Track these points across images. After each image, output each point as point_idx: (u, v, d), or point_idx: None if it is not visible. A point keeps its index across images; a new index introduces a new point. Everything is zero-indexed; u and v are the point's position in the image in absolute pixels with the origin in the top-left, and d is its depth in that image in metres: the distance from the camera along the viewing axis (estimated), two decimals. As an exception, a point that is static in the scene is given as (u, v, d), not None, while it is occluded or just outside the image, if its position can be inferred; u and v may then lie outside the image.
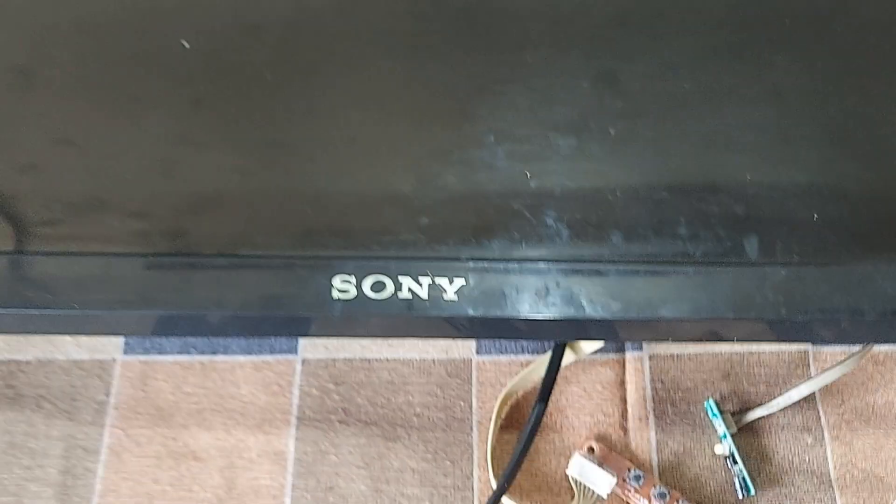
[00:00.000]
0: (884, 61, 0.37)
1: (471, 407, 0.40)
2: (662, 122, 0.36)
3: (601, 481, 0.37)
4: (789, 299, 0.32)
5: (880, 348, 0.42)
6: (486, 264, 0.32)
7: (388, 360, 0.41)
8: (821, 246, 0.33)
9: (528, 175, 0.34)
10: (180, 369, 0.40)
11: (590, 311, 0.32)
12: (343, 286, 0.31)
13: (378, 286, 0.32)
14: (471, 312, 0.31)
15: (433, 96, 0.36)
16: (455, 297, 0.32)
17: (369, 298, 0.31)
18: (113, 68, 0.36)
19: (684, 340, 0.40)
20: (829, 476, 0.39)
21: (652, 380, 0.41)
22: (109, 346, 0.40)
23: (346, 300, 0.31)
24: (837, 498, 0.38)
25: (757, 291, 0.32)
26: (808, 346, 0.42)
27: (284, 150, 0.35)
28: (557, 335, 0.37)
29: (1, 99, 0.35)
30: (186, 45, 0.36)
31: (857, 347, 0.39)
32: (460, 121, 0.35)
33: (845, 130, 0.36)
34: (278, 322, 0.33)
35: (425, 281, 0.32)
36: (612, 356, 0.41)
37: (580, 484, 0.38)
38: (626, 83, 0.36)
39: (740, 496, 0.38)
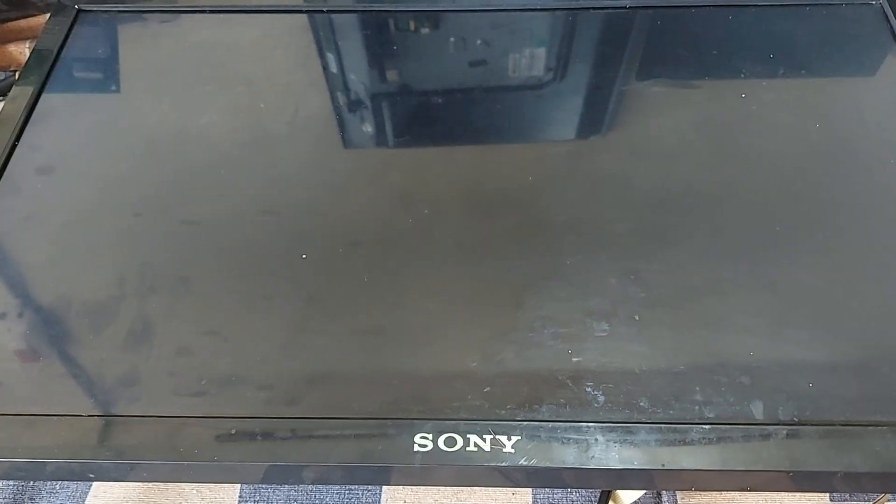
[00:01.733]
0: (862, 257, 0.46)
1: (529, 554, 0.46)
2: (678, 310, 0.44)
3: None
4: (791, 454, 0.39)
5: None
6: (537, 424, 0.40)
7: (457, 512, 0.48)
8: (816, 409, 0.40)
9: (570, 352, 0.43)
10: (284, 519, 0.48)
11: (624, 463, 0.39)
12: (422, 441, 0.40)
13: (450, 441, 0.40)
14: (525, 463, 0.39)
15: (492, 291, 0.46)
16: (512, 451, 0.39)
17: (443, 451, 0.39)
18: (248, 275, 0.47)
19: (705, 490, 0.46)
20: None
21: (687, 532, 0.46)
22: (227, 499, 0.49)
23: (425, 453, 0.39)
24: None
25: (763, 447, 0.39)
26: (826, 502, 0.47)
27: (377, 336, 0.44)
28: (598, 484, 0.44)
29: (167, 299, 0.46)
30: (304, 257, 0.48)
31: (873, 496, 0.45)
32: (514, 309, 0.45)
33: (832, 314, 0.44)
34: (370, 472, 0.41)
35: (488, 438, 0.40)
36: (651, 509, 0.47)
37: None
38: (647, 279, 0.46)
39: None
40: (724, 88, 0.56)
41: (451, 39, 0.61)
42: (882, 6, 0.61)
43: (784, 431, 0.39)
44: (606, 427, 0.40)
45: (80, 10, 0.63)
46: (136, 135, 0.55)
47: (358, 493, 0.49)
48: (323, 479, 0.43)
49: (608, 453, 0.39)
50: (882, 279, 0.45)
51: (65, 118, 0.56)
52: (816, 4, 0.61)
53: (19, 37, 0.72)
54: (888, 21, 0.60)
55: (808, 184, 0.50)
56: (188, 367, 0.43)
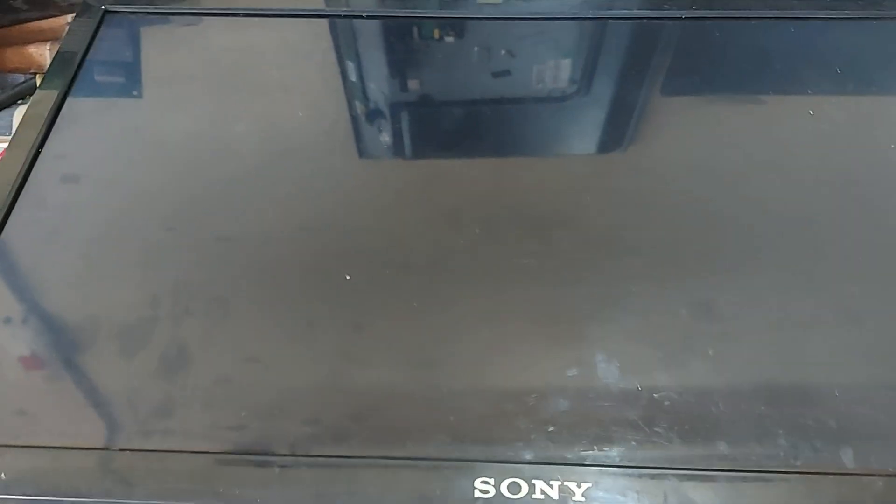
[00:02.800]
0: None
1: None
2: (755, 345, 0.41)
3: None
4: (888, 507, 0.35)
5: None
6: (609, 469, 0.37)
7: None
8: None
9: (640, 389, 0.40)
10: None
11: (702, 514, 0.36)
12: (484, 487, 0.36)
13: (514, 488, 0.36)
14: (597, 514, 0.36)
15: (552, 320, 0.43)
16: (583, 499, 0.36)
17: (507, 498, 0.36)
18: (289, 297, 0.44)
19: None
20: None
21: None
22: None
23: (487, 499, 0.36)
24: None
25: (856, 499, 0.36)
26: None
27: (429, 367, 0.41)
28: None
29: (203, 322, 0.43)
30: (349, 278, 0.44)
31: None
32: (577, 341, 0.41)
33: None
34: (427, 519, 0.38)
35: (556, 484, 0.36)
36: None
37: None
38: (719, 310, 0.43)
39: None
40: (790, 104, 0.53)
41: (502, 51, 0.58)
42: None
43: (879, 483, 0.36)
44: (685, 474, 0.37)
45: (106, 11, 0.59)
46: (165, 143, 0.52)
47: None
48: (374, 526, 0.40)
49: (688, 503, 0.36)
50: None
51: (91, 124, 0.53)
52: (884, 18, 0.58)
53: (39, 38, 0.69)
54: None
55: (889, 207, 0.47)
56: (227, 398, 0.40)
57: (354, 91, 0.56)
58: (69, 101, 0.54)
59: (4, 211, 0.47)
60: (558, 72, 0.56)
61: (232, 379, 0.40)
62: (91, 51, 0.57)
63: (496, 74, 0.57)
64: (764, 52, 0.56)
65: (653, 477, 0.36)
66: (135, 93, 0.55)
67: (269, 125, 0.53)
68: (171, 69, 0.57)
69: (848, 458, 0.37)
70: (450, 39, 0.59)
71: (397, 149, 0.52)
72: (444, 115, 0.55)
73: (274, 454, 0.38)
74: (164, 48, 0.59)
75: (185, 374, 0.40)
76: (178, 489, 0.37)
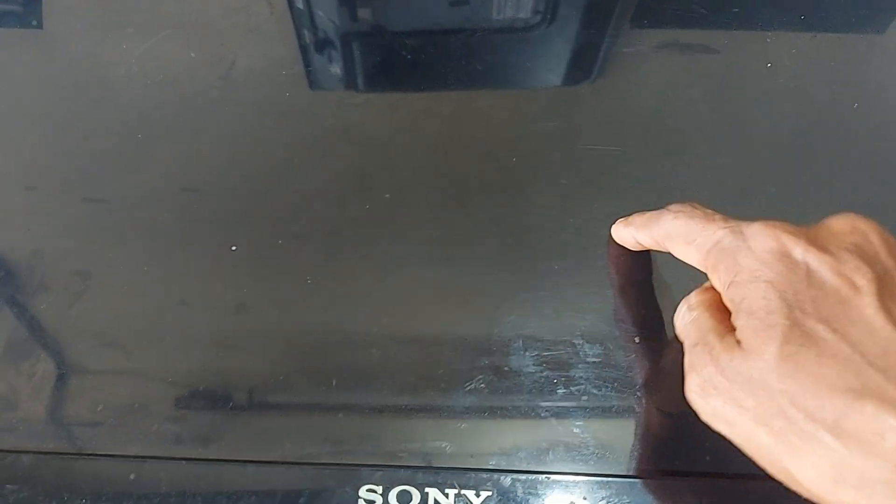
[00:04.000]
0: None
1: None
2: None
3: None
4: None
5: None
6: (513, 476, 0.32)
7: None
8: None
9: (556, 382, 0.35)
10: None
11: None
12: (369, 496, 0.32)
13: (404, 496, 0.32)
14: (497, 528, 0.31)
15: (463, 303, 0.38)
16: (481, 510, 0.32)
17: (394, 509, 0.32)
18: (163, 270, 0.38)
19: None
20: None
21: None
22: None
23: (372, 510, 0.32)
24: None
25: None
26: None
27: (318, 356, 0.36)
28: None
29: (61, 298, 0.37)
30: (234, 249, 0.39)
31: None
32: (489, 327, 0.36)
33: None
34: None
35: (451, 492, 0.32)
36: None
37: None
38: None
39: None
40: (747, 53, 0.47)
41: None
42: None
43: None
44: (600, 482, 0.32)
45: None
46: (40, 82, 0.45)
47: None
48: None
49: (596, 511, 0.32)
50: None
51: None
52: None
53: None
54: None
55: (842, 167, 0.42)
56: (81, 389, 0.35)
57: (256, 29, 0.48)
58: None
59: None
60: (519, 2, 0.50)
61: (88, 367, 0.35)
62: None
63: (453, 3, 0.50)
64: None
65: (564, 485, 0.32)
66: (20, 20, 0.48)
67: (156, 67, 0.46)
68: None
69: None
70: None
71: (299, 96, 0.45)
72: (359, 54, 0.48)
73: (131, 456, 0.33)
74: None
75: (32, 361, 0.35)
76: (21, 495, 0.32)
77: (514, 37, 0.48)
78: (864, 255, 0.25)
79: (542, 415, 0.34)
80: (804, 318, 0.24)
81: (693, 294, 0.30)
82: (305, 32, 0.48)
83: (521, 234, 0.39)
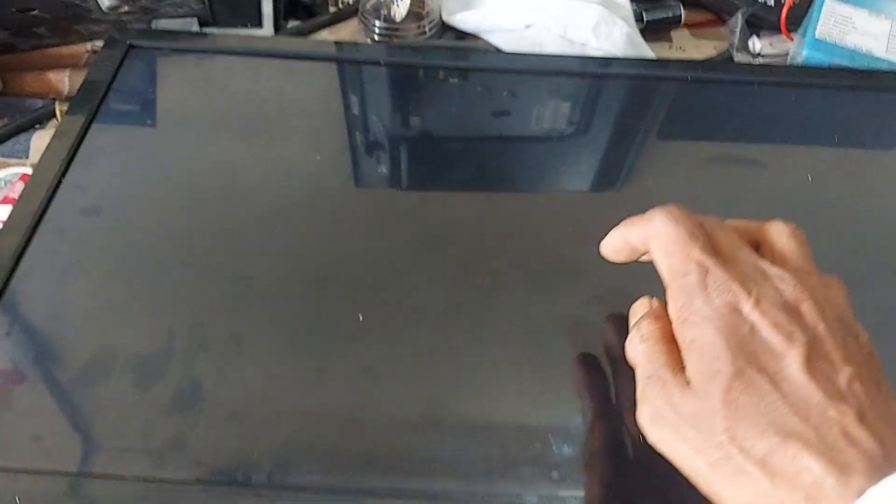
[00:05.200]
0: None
1: None
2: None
3: None
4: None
5: None
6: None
7: None
8: None
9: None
10: None
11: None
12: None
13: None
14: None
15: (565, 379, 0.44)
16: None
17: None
18: (303, 339, 0.45)
19: None
20: None
21: None
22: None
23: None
24: None
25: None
26: None
27: (440, 409, 0.42)
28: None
29: (218, 360, 0.44)
30: (361, 319, 0.46)
31: None
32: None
33: None
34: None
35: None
36: None
37: None
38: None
39: None
40: (787, 168, 0.55)
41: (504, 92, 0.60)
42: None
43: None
44: None
45: (131, 46, 0.61)
46: (186, 180, 0.54)
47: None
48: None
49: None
50: None
51: (113, 157, 0.54)
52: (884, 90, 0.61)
53: (59, 64, 0.70)
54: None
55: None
56: (239, 434, 0.41)
57: (366, 136, 0.57)
58: (92, 130, 0.55)
59: (25, 238, 0.48)
60: (556, 117, 0.59)
61: (244, 415, 0.42)
62: (115, 83, 0.59)
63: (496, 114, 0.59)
64: (764, 116, 0.58)
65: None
66: (155, 127, 0.57)
67: (282, 166, 0.54)
68: (190, 105, 0.59)
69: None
70: (454, 81, 0.62)
71: (411, 201, 0.54)
72: (450, 156, 0.57)
73: (290, 488, 0.39)
74: (184, 85, 0.60)
75: (198, 409, 0.41)
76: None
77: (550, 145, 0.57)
78: (802, 320, 0.31)
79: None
80: (746, 367, 0.30)
81: (645, 323, 0.35)
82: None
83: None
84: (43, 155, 0.53)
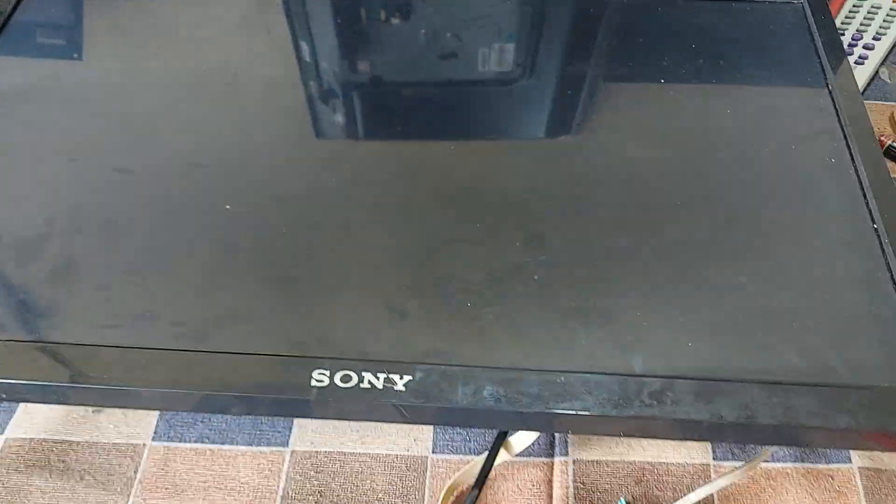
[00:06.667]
0: (746, 233, 0.49)
1: (423, 495, 0.49)
2: (575, 273, 0.47)
3: (524, 560, 0.45)
4: (662, 402, 0.41)
5: (773, 464, 0.49)
6: (430, 367, 0.43)
7: (359, 454, 0.50)
8: (691, 365, 0.43)
9: (470, 306, 0.45)
10: (194, 454, 0.50)
11: (510, 406, 0.41)
12: (319, 377, 0.42)
13: (345, 378, 0.42)
14: (414, 401, 0.42)
15: (404, 251, 0.49)
16: (403, 389, 0.42)
17: (338, 387, 0.42)
18: (173, 222, 0.50)
19: (582, 433, 0.49)
20: (724, 570, 0.46)
21: (574, 481, 0.49)
22: (142, 434, 0.51)
23: (321, 388, 0.42)
24: (730, 589, 0.45)
25: (636, 396, 0.42)
26: (710, 460, 0.50)
27: (288, 283, 0.47)
28: (484, 424, 0.47)
29: (97, 242, 0.48)
30: (228, 208, 0.50)
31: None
32: (421, 265, 0.47)
33: (716, 280, 0.47)
34: (270, 404, 0.43)
35: (381, 376, 0.42)
36: (543, 459, 0.50)
37: (507, 561, 0.45)
38: (549, 244, 0.49)
39: (643, 580, 0.45)
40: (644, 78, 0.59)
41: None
42: (803, 6, 0.65)
43: (658, 383, 0.42)
44: (495, 371, 0.42)
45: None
46: (80, 88, 0.58)
47: (268, 435, 0.51)
48: (226, 409, 0.46)
49: (494, 395, 0.42)
50: (767, 257, 0.48)
51: (12, 57, 0.59)
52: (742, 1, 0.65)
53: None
54: (807, 20, 0.64)
55: (711, 166, 0.53)
56: (106, 302, 0.46)
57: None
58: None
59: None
60: (502, 54, 0.62)
61: (112, 287, 0.46)
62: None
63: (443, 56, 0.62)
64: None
65: (468, 374, 0.42)
66: (58, 39, 0.61)
67: (174, 76, 0.58)
68: (98, 27, 0.63)
69: (637, 365, 0.43)
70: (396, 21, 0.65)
71: (289, 101, 0.58)
72: (350, 79, 0.61)
73: (143, 348, 0.43)
74: (95, 7, 0.64)
75: (71, 282, 0.46)
76: (58, 372, 0.42)
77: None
78: None
79: (457, 327, 0.45)
80: None
81: None
82: (311, 83, 0.60)
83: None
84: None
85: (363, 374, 0.42)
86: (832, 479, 0.49)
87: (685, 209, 0.51)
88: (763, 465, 0.49)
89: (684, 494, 0.47)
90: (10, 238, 0.48)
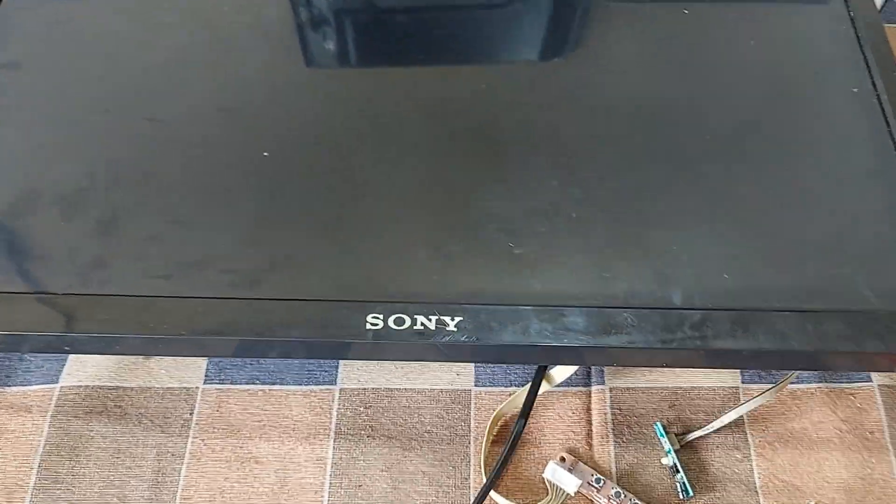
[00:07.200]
0: (780, 166, 0.50)
1: (469, 426, 0.51)
2: (612, 209, 0.49)
3: (569, 483, 0.48)
4: (703, 334, 0.43)
5: (798, 385, 0.52)
6: (479, 307, 0.44)
7: (406, 389, 0.52)
8: (729, 297, 0.45)
9: (512, 246, 0.47)
10: (247, 395, 0.52)
11: (556, 340, 0.43)
12: (374, 321, 0.44)
13: (399, 321, 0.44)
14: (465, 340, 0.43)
15: (443, 192, 0.49)
16: (455, 329, 0.43)
17: (392, 330, 0.43)
18: (212, 170, 0.50)
19: (626, 365, 0.52)
20: (755, 485, 0.49)
21: (612, 407, 0.52)
22: (193, 378, 0.52)
23: (376, 330, 0.43)
24: (762, 502, 0.48)
25: (678, 328, 0.44)
26: (739, 384, 0.52)
27: (334, 228, 0.48)
28: (533, 360, 0.49)
29: (134, 192, 0.49)
30: (266, 155, 0.50)
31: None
32: (462, 208, 0.48)
33: (751, 215, 0.48)
34: (326, 347, 0.45)
35: (433, 318, 0.44)
36: (581, 389, 0.52)
37: (553, 485, 0.48)
38: (585, 182, 0.50)
39: (681, 497, 0.48)
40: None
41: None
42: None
43: (698, 315, 0.44)
44: (541, 309, 0.44)
45: None
46: (101, 31, 0.57)
47: (316, 375, 0.53)
48: (284, 353, 0.48)
49: (542, 332, 0.43)
50: (795, 188, 0.50)
51: (31, 13, 0.57)
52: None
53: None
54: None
55: (735, 98, 0.54)
56: (156, 253, 0.46)
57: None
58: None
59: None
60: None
61: (160, 238, 0.47)
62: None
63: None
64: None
65: (515, 312, 0.44)
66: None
67: (195, 18, 0.57)
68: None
69: (676, 298, 0.45)
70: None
71: (312, 43, 0.58)
72: (362, 15, 0.60)
73: (196, 297, 0.44)
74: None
75: (118, 234, 0.47)
76: (114, 324, 0.44)
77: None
78: None
79: (501, 267, 0.46)
80: None
81: None
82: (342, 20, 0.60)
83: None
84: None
85: (416, 316, 0.44)
86: (854, 397, 0.52)
87: (714, 142, 0.52)
88: (789, 386, 0.52)
89: (716, 417, 0.50)
90: (52, 195, 0.48)
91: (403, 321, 0.44)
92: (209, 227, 0.48)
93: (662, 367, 0.52)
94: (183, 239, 0.47)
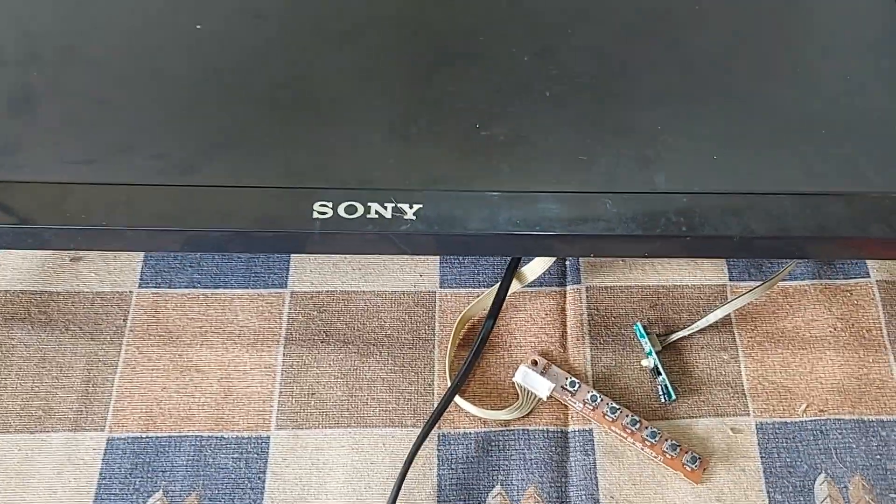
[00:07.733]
0: (770, 45, 0.46)
1: (434, 330, 0.47)
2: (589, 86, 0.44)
3: (541, 387, 0.44)
4: (689, 220, 0.39)
5: (790, 282, 0.48)
6: (441, 193, 0.39)
7: (363, 291, 0.48)
8: (717, 180, 0.40)
9: (478, 127, 0.42)
10: (187, 300, 0.47)
11: (526, 229, 0.39)
12: (322, 209, 0.39)
13: (350, 209, 0.39)
14: (425, 230, 0.38)
15: (403, 68, 0.44)
16: (413, 217, 0.39)
17: (343, 219, 0.38)
18: (139, 45, 0.44)
19: (605, 255, 0.48)
20: (743, 387, 0.45)
21: (589, 307, 0.47)
22: (127, 281, 0.47)
23: (324, 219, 0.38)
24: (750, 404, 0.45)
25: (662, 214, 0.39)
26: (726, 281, 0.48)
27: (278, 108, 0.42)
28: (501, 251, 0.44)
29: (51, 69, 0.43)
30: (199, 27, 0.44)
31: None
32: (424, 86, 0.43)
33: (740, 93, 0.43)
34: (269, 240, 0.40)
35: (389, 205, 0.39)
36: (555, 288, 0.48)
37: (524, 389, 0.44)
38: (560, 57, 0.44)
39: (663, 401, 0.44)
40: None
41: None
42: None
43: (684, 199, 0.39)
44: (510, 195, 0.39)
45: None
46: None
47: (264, 277, 0.48)
48: (219, 247, 0.43)
49: (511, 220, 0.39)
50: (791, 60, 0.45)
51: None
52: None
53: None
54: None
55: None
56: (76, 136, 0.41)
57: None
58: None
59: None
60: None
61: (80, 119, 0.41)
62: None
63: None
64: None
65: (482, 199, 0.39)
66: None
67: None
68: None
69: (660, 181, 0.40)
70: None
71: None
72: None
73: (121, 184, 0.39)
74: None
75: (32, 115, 0.41)
76: (29, 214, 0.38)
77: None
78: None
79: (466, 149, 0.41)
80: None
81: None
82: None
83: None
84: None
85: (369, 204, 0.39)
86: (850, 293, 0.48)
87: (702, 11, 0.46)
88: (780, 283, 0.48)
89: (701, 316, 0.46)
90: (-46, 70, 0.42)
91: (355, 209, 0.39)
92: (136, 108, 0.42)
93: (644, 256, 0.48)
94: (106, 120, 0.42)
